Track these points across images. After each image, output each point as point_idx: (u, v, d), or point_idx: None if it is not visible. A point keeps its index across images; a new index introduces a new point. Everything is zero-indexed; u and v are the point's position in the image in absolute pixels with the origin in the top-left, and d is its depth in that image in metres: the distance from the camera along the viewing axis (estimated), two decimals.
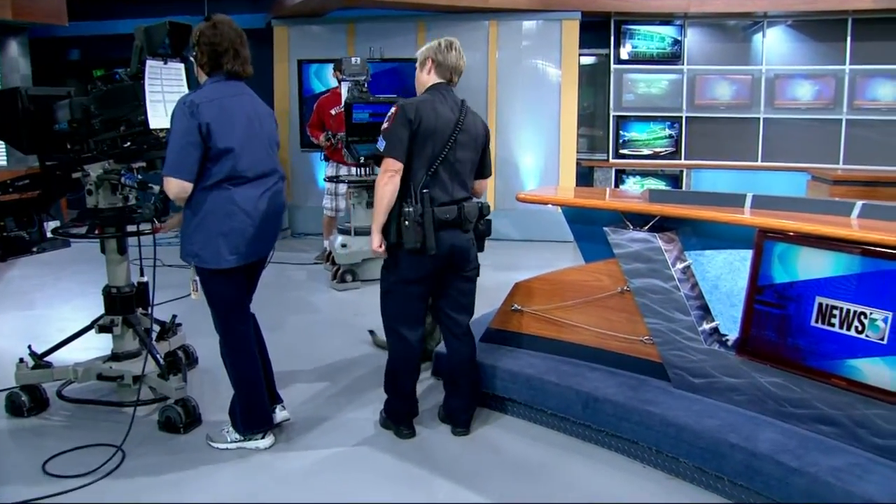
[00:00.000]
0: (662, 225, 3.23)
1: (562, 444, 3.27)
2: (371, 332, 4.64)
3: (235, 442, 3.19)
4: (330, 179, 6.68)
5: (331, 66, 7.09)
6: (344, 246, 6.07)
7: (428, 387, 3.82)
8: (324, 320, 5.29)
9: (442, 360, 3.64)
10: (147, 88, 3.15)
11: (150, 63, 3.18)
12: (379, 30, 8.23)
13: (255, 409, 3.17)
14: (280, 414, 3.34)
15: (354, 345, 4.61)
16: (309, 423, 3.48)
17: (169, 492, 2.87)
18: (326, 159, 6.82)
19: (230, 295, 3.10)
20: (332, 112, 6.45)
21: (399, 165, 3.02)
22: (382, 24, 8.26)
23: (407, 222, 3.00)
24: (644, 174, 8.53)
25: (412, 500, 2.83)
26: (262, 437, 3.21)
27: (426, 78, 3.20)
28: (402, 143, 3.01)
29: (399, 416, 3.33)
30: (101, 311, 3.63)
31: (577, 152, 8.46)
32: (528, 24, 8.17)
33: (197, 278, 3.08)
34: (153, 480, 2.94)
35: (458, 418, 3.38)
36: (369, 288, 5.97)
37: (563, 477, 3.00)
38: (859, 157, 7.91)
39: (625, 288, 3.28)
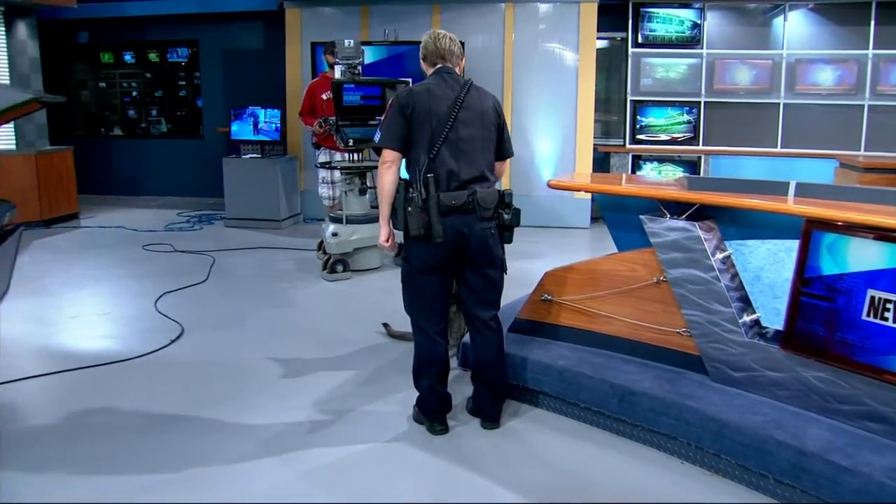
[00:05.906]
0: (700, 213, 3.13)
1: (596, 438, 3.19)
2: (385, 324, 4.53)
3: None
4: (322, 166, 6.49)
5: None
6: (335, 235, 5.77)
7: (455, 377, 3.71)
8: (324, 310, 5.17)
9: (468, 351, 3.55)
10: None
11: None
12: (393, 12, 8.07)
13: None
14: None
15: (371, 334, 4.52)
16: (338, 415, 3.39)
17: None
18: (317, 146, 6.60)
19: None
20: (324, 97, 6.32)
21: (395, 155, 3.02)
22: (397, 6, 8.10)
23: (410, 208, 2.96)
24: (661, 160, 8.39)
25: (442, 497, 2.75)
26: None
27: (426, 68, 3.22)
28: (396, 131, 3.01)
29: (429, 411, 3.23)
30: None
31: (593, 137, 8.33)
32: (545, 7, 8.02)
33: None
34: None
35: (487, 412, 3.30)
36: (361, 279, 5.83)
37: (598, 473, 2.92)
38: (881, 144, 7.78)
39: (661, 278, 3.18)
